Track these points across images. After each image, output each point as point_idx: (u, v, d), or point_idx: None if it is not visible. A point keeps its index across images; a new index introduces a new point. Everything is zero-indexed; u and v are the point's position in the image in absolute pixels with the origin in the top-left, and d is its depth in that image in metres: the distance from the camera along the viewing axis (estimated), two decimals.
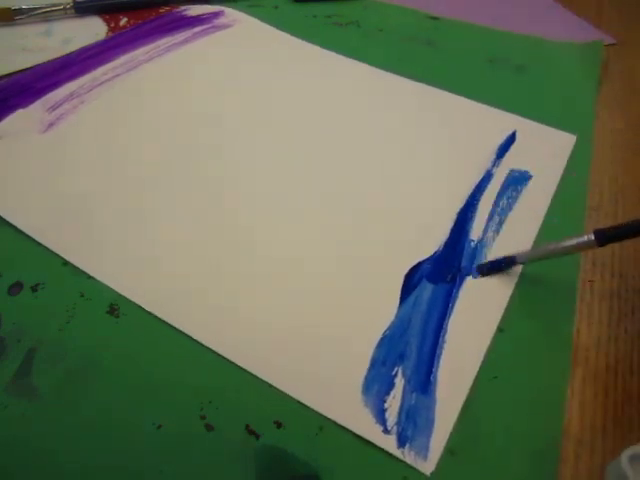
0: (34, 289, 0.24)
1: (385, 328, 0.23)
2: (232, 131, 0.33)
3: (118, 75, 0.36)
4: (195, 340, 0.23)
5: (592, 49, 0.44)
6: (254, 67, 0.39)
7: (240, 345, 0.22)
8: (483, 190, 0.30)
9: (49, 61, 0.38)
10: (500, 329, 0.24)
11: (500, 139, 0.34)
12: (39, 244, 0.26)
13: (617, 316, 0.26)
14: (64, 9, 0.43)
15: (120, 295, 0.24)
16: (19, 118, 0.32)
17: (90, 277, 0.25)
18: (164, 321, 0.23)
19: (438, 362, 0.22)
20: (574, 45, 0.45)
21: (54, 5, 0.43)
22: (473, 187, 0.30)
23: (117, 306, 0.24)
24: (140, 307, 0.24)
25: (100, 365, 0.22)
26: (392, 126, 0.35)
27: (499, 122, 0.35)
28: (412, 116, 0.36)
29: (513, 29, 0.47)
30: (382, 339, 0.23)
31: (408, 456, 0.20)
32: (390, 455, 0.20)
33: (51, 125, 0.31)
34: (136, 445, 0.20)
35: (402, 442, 0.20)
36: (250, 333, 0.23)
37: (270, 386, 0.21)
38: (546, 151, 0.33)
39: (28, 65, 0.38)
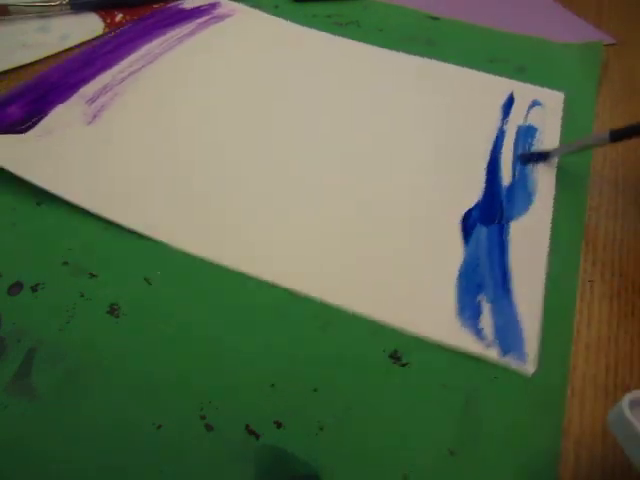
0: (34, 289, 0.24)
1: (459, 266, 0.27)
2: (261, 112, 0.35)
3: (142, 67, 0.38)
4: (195, 339, 0.23)
5: (592, 49, 0.44)
6: (264, 52, 0.41)
7: (332, 283, 0.25)
8: (501, 145, 0.34)
9: (68, 58, 0.38)
10: None
11: (502, 100, 0.38)
12: (39, 244, 0.26)
13: (617, 316, 0.26)
14: (60, 5, 0.43)
15: (120, 295, 0.24)
16: (62, 112, 0.33)
17: (91, 277, 0.25)
18: (164, 321, 0.23)
19: (511, 285, 0.26)
20: (574, 46, 0.45)
21: (50, 0, 0.43)
22: (492, 144, 0.34)
23: (117, 306, 0.24)
24: (140, 307, 0.24)
25: (100, 365, 0.22)
26: (404, 101, 0.38)
27: (496, 85, 0.40)
28: (419, 90, 0.39)
29: (513, 29, 0.47)
30: (459, 275, 0.26)
31: (512, 363, 0.23)
32: (389, 454, 0.20)
33: (95, 117, 0.33)
34: (136, 445, 0.20)
35: (504, 352, 0.23)
36: (340, 271, 0.26)
37: (271, 386, 0.21)
38: (540, 107, 0.38)
39: (28, 61, 0.38)
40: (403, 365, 0.23)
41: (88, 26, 0.42)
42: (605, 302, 0.26)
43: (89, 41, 0.41)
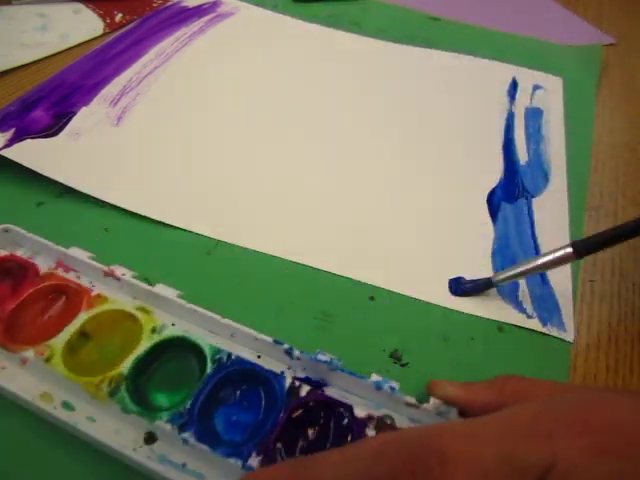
0: None
1: (492, 244, 0.28)
2: (273, 103, 0.36)
3: (159, 66, 0.38)
4: None
5: (592, 51, 0.44)
6: (272, 48, 0.42)
7: (381, 269, 0.26)
8: (512, 126, 0.36)
9: (80, 59, 0.38)
10: (500, 329, 0.24)
11: (506, 85, 0.40)
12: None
13: (617, 316, 0.26)
14: None
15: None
16: (87, 115, 0.33)
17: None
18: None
19: None
20: (574, 47, 0.45)
21: None
22: (504, 126, 0.36)
23: None
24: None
25: None
26: (411, 90, 0.39)
27: (497, 70, 0.41)
28: (426, 78, 0.40)
29: (513, 29, 0.47)
30: (493, 253, 0.28)
31: (553, 331, 0.24)
32: None
33: (120, 118, 0.34)
34: None
35: (544, 322, 0.25)
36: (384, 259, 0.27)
37: None
38: (542, 90, 0.39)
39: (28, 61, 0.38)
40: (403, 365, 0.23)
41: (88, 25, 0.43)
42: (605, 302, 0.26)
43: (89, 41, 0.41)
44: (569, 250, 0.22)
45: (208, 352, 0.20)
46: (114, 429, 0.19)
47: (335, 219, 0.29)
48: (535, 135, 0.35)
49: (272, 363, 0.21)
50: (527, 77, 0.40)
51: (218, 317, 0.21)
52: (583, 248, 0.22)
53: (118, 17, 0.44)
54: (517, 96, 0.38)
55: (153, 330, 0.21)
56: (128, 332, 0.21)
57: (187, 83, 0.37)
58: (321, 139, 0.34)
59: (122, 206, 0.28)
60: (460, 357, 0.23)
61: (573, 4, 0.52)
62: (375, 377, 0.20)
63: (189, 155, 0.32)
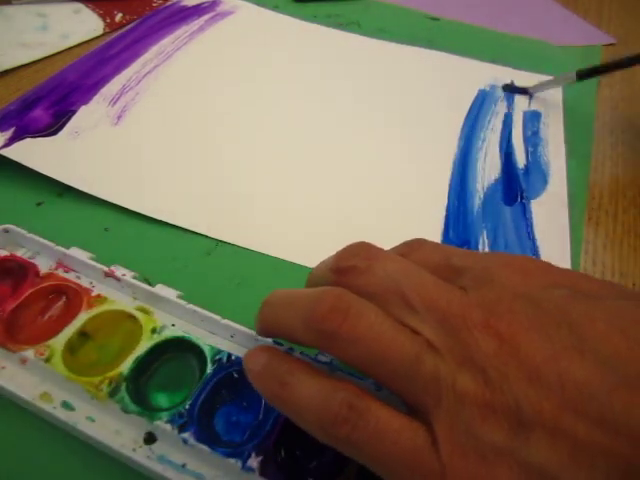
0: None
1: (489, 246, 0.28)
2: (272, 102, 0.36)
3: (157, 66, 0.38)
4: None
5: (591, 52, 0.45)
6: (272, 47, 0.42)
7: None
8: (511, 130, 0.36)
9: (80, 58, 0.38)
10: None
11: None
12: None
13: None
14: None
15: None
16: (86, 114, 0.33)
17: None
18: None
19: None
20: (573, 48, 0.45)
21: None
22: (502, 129, 0.36)
23: None
24: None
25: None
26: (408, 91, 0.39)
27: (498, 74, 0.41)
28: (423, 80, 0.40)
29: (513, 30, 0.47)
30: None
31: None
32: None
33: (119, 118, 0.33)
34: None
35: None
36: None
37: None
38: (542, 93, 0.39)
39: (28, 61, 0.38)
40: None
41: (88, 25, 0.42)
42: None
43: (89, 40, 0.41)
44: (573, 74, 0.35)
45: (208, 353, 0.20)
46: (114, 429, 0.19)
47: (336, 220, 0.29)
48: (534, 137, 0.35)
49: None
50: (525, 79, 0.40)
51: (218, 318, 0.21)
52: (583, 73, 0.35)
53: (118, 17, 0.44)
54: (515, 99, 0.38)
55: (153, 330, 0.21)
56: (128, 332, 0.21)
57: (187, 82, 0.37)
58: (321, 139, 0.34)
59: (122, 205, 0.28)
60: None
61: (573, 4, 0.52)
62: None
63: (189, 154, 0.32)
